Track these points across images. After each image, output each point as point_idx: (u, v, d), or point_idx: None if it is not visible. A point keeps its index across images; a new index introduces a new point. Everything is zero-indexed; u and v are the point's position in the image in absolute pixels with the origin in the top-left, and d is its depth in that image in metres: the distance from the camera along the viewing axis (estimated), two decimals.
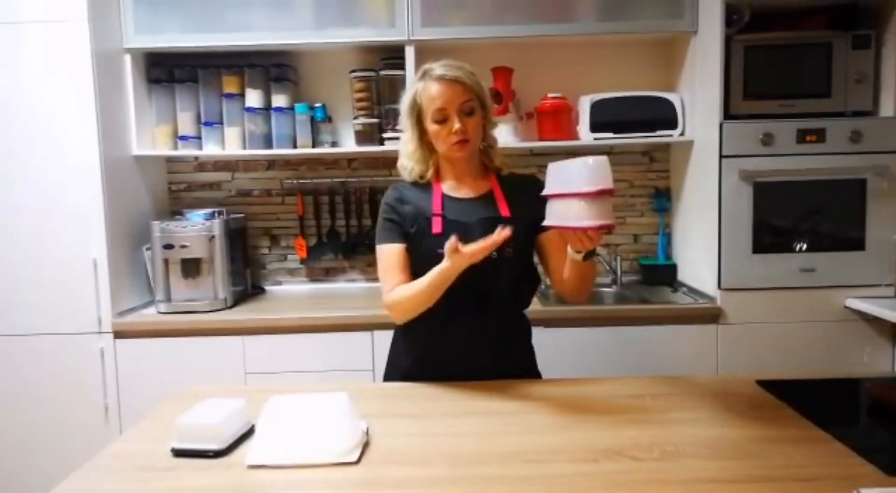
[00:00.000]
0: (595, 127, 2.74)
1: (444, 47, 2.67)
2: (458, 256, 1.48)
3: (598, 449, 1.27)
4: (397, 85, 2.69)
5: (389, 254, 1.68)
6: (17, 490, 2.50)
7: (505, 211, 1.67)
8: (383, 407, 1.53)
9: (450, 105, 1.61)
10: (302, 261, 3.09)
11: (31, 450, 2.51)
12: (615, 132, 2.75)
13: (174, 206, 3.06)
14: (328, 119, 2.90)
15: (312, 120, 2.83)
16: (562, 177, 1.47)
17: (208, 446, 1.28)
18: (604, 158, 1.42)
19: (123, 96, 2.68)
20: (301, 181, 3.03)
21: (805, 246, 2.48)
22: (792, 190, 2.47)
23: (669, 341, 2.48)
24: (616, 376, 1.72)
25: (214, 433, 1.29)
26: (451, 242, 1.47)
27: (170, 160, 3.05)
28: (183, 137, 2.86)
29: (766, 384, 1.59)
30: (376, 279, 2.98)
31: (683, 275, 2.91)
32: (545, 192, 1.51)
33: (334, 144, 2.91)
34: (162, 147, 2.86)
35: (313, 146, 2.84)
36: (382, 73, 2.82)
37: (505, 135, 2.76)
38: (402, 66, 2.70)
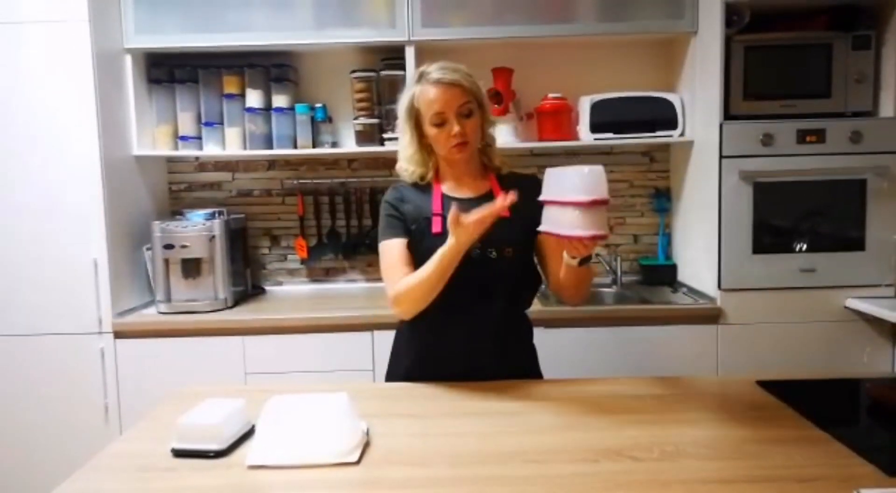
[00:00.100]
0: (595, 127, 2.75)
1: (445, 48, 2.68)
2: (461, 229, 1.47)
3: (599, 449, 1.27)
4: (397, 85, 2.69)
5: (393, 249, 1.67)
6: (17, 490, 2.50)
7: (505, 211, 1.67)
8: (383, 407, 1.53)
9: (448, 108, 1.61)
10: (302, 261, 3.09)
11: (32, 450, 2.51)
12: (615, 132, 2.76)
13: (174, 206, 3.06)
14: (328, 119, 2.90)
15: (313, 120, 2.83)
16: (558, 183, 1.48)
17: (208, 446, 1.28)
18: (600, 168, 1.42)
19: (124, 96, 2.68)
20: (301, 181, 3.03)
21: (805, 246, 2.49)
22: (792, 190, 2.47)
23: (669, 342, 2.48)
24: (616, 377, 1.72)
25: (215, 434, 1.29)
26: (452, 213, 1.46)
27: (170, 160, 3.05)
28: (183, 138, 2.87)
29: (766, 385, 1.59)
30: (376, 279, 3.03)
31: (683, 275, 2.91)
32: (541, 197, 1.51)
33: (335, 144, 2.91)
34: (162, 147, 2.86)
35: (314, 146, 2.84)
36: (383, 73, 2.82)
37: (505, 135, 2.76)
38: (402, 67, 2.70)
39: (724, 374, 2.45)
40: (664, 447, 1.27)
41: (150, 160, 2.86)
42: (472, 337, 1.66)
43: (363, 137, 2.84)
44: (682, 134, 2.75)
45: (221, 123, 2.86)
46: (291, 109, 2.83)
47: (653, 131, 2.75)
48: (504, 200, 1.45)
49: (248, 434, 1.36)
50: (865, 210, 2.47)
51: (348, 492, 1.17)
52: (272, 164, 3.07)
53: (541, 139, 2.86)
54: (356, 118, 2.84)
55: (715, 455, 1.24)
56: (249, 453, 1.26)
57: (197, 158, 3.06)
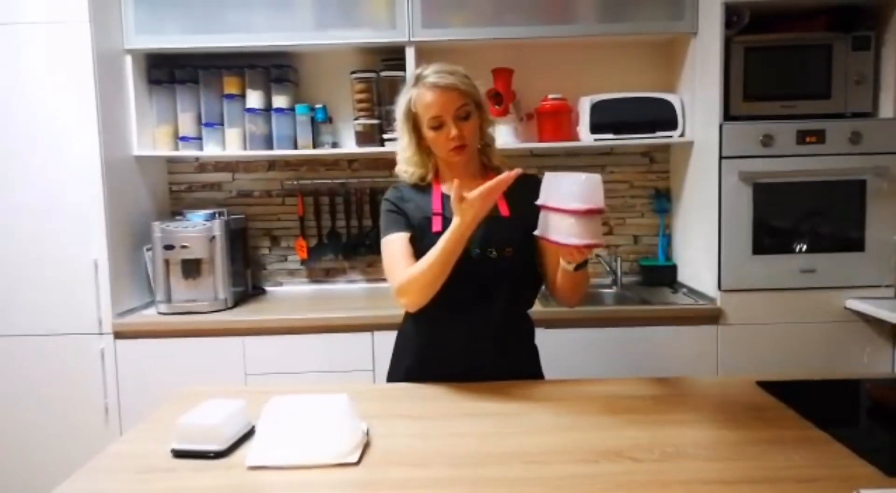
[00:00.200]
0: (595, 128, 2.75)
1: (445, 48, 2.68)
2: (466, 205, 1.46)
3: (599, 450, 1.27)
4: (398, 86, 2.67)
5: (396, 243, 1.66)
6: (17, 490, 2.50)
7: (505, 210, 1.67)
8: (383, 408, 1.53)
9: (445, 112, 1.61)
10: (302, 262, 3.10)
11: (32, 451, 2.51)
12: (615, 133, 2.76)
13: (175, 206, 3.06)
14: (329, 120, 2.90)
15: (313, 121, 2.84)
16: (554, 190, 1.47)
17: (209, 447, 1.28)
18: (597, 177, 1.42)
19: (124, 97, 2.68)
20: (301, 182, 3.03)
21: (805, 247, 2.49)
22: (792, 191, 2.47)
23: (669, 342, 2.48)
24: (616, 377, 1.72)
25: (215, 434, 1.29)
26: (455, 190, 1.45)
27: (170, 161, 3.06)
28: (183, 138, 2.87)
29: (766, 385, 1.59)
30: (377, 280, 3.03)
31: (683, 276, 2.91)
32: (538, 202, 1.52)
33: (335, 144, 2.91)
34: (163, 148, 2.86)
35: (314, 147, 2.84)
36: (383, 74, 2.82)
37: (505, 136, 2.76)
38: (402, 67, 2.70)
39: (724, 374, 2.45)
40: (664, 447, 1.27)
41: (150, 161, 2.87)
42: (472, 337, 1.66)
43: (363, 137, 2.84)
44: (682, 135, 2.75)
45: (222, 124, 2.86)
46: (292, 109, 2.83)
47: (653, 132, 2.75)
48: (513, 172, 1.45)
49: (248, 435, 1.36)
50: (865, 211, 2.47)
51: None
52: (272, 164, 3.07)
53: (541, 140, 2.86)
54: (356, 119, 2.84)
55: (715, 456, 1.24)
56: (249, 453, 1.26)
57: (197, 159, 3.06)
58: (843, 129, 2.44)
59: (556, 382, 1.71)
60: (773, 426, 1.36)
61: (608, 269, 2.97)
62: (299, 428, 1.28)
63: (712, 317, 2.50)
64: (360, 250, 3.03)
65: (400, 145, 1.74)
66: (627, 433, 1.35)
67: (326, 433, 1.27)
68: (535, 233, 1.52)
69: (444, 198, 1.70)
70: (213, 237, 2.63)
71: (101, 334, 2.51)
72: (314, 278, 3.12)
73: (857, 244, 2.48)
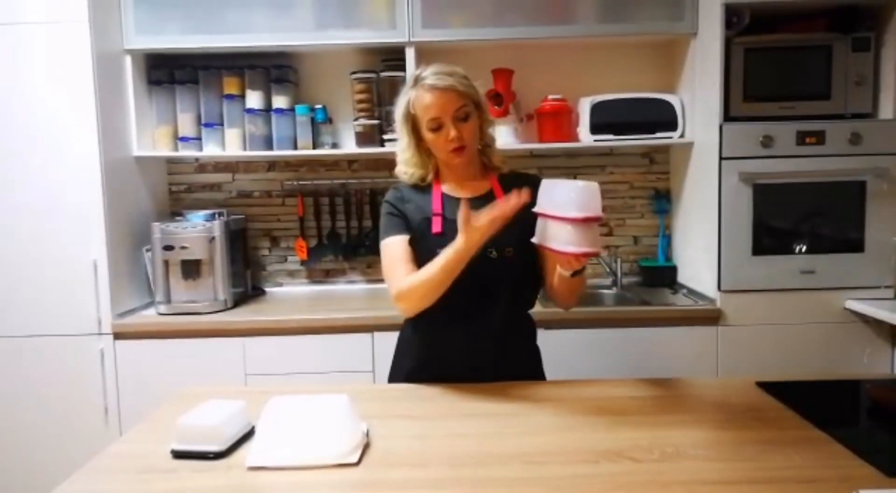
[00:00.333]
0: (595, 129, 2.75)
1: (445, 49, 2.68)
2: (472, 229, 1.47)
3: (599, 451, 1.27)
4: (398, 86, 2.66)
5: (395, 246, 1.67)
6: (17, 491, 2.50)
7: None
8: (384, 409, 1.53)
9: (444, 113, 1.61)
10: (302, 262, 3.09)
11: (31, 451, 2.51)
12: (615, 134, 2.76)
13: (174, 207, 3.06)
14: (329, 120, 2.90)
15: (313, 121, 2.84)
16: (552, 196, 1.47)
17: (208, 447, 1.28)
18: (594, 185, 1.42)
19: (124, 97, 2.68)
20: (301, 183, 3.03)
21: (805, 248, 2.49)
22: (792, 192, 2.48)
23: (669, 343, 2.48)
24: (616, 378, 1.72)
25: (215, 435, 1.29)
26: (463, 212, 1.46)
27: (170, 161, 3.06)
28: (183, 139, 2.87)
29: (765, 386, 1.59)
30: (377, 280, 3.03)
31: (683, 276, 2.91)
32: (535, 208, 1.52)
33: (335, 145, 2.91)
34: (162, 148, 2.86)
35: (314, 148, 2.84)
36: (383, 74, 2.82)
37: (505, 136, 2.76)
38: (402, 68, 2.70)
39: (723, 375, 2.45)
40: (664, 448, 1.27)
41: (149, 161, 2.86)
42: (473, 338, 1.66)
43: (363, 138, 2.84)
44: (681, 135, 2.75)
45: (221, 124, 2.86)
46: (291, 110, 2.83)
47: (653, 133, 2.75)
48: (518, 198, 1.45)
49: (248, 435, 1.36)
50: (865, 212, 2.47)
51: None
52: (272, 165, 3.07)
53: (541, 141, 2.86)
54: (356, 119, 2.84)
55: (715, 456, 1.24)
56: (249, 454, 1.26)
57: (197, 160, 3.06)
58: (843, 130, 2.45)
59: (556, 382, 1.71)
60: (773, 427, 1.36)
61: (608, 270, 2.97)
62: (299, 429, 1.28)
63: (712, 318, 2.50)
64: (360, 251, 3.03)
65: (400, 146, 1.74)
66: (627, 433, 1.35)
67: (326, 433, 1.27)
68: (533, 240, 1.52)
69: (445, 198, 1.70)
70: (213, 238, 2.63)
71: (100, 334, 2.50)
72: (314, 278, 3.12)
73: (856, 245, 2.48)
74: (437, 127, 1.63)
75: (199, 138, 2.87)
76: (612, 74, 2.94)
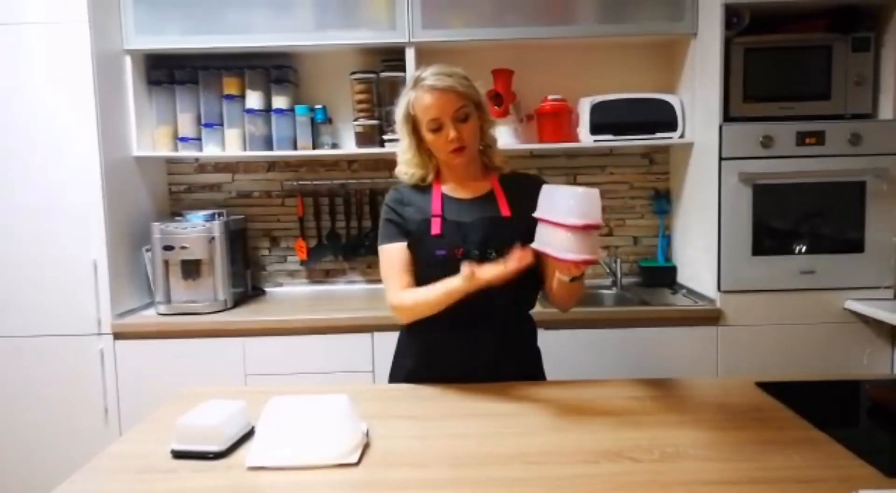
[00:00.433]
0: (595, 129, 2.75)
1: (445, 49, 2.68)
2: (474, 279, 1.49)
3: (599, 451, 1.27)
4: (398, 87, 2.68)
5: (392, 254, 1.69)
6: (17, 491, 2.50)
7: (505, 211, 1.67)
8: (383, 409, 1.53)
9: (443, 114, 1.61)
10: (302, 263, 3.09)
11: (31, 451, 2.51)
12: (615, 134, 2.76)
13: (174, 207, 3.06)
14: (328, 121, 2.90)
15: (313, 122, 2.84)
16: (552, 203, 1.47)
17: (208, 447, 1.28)
18: (594, 192, 1.41)
19: (124, 98, 2.68)
20: (301, 183, 3.03)
21: (805, 248, 2.49)
22: (791, 192, 2.48)
23: (669, 343, 2.48)
24: (616, 378, 1.72)
25: (214, 435, 1.29)
26: (467, 268, 1.49)
27: (170, 161, 3.06)
28: (183, 139, 2.87)
29: (765, 386, 1.59)
30: (376, 281, 3.03)
31: (683, 277, 2.91)
32: (535, 214, 1.52)
33: (334, 145, 2.91)
34: (162, 148, 2.86)
35: (313, 148, 2.84)
36: (383, 74, 2.82)
37: (505, 137, 2.76)
38: (402, 68, 2.70)
39: (723, 375, 2.45)
40: (664, 448, 1.27)
41: (149, 161, 2.86)
42: (473, 338, 1.66)
43: (363, 138, 2.84)
44: (681, 136, 2.75)
45: (221, 125, 2.86)
46: (291, 110, 2.83)
47: (653, 133, 2.75)
48: (522, 260, 1.46)
49: (247, 435, 1.36)
50: (865, 212, 2.47)
51: None
52: (272, 165, 3.07)
53: (541, 141, 2.86)
54: (356, 120, 2.84)
55: (715, 457, 1.24)
56: (249, 454, 1.26)
57: (197, 160, 3.06)
58: (843, 130, 2.45)
59: (556, 383, 1.71)
60: (772, 427, 1.36)
61: (608, 270, 2.97)
62: (299, 429, 1.28)
63: (712, 318, 2.50)
64: (360, 251, 3.03)
65: (400, 147, 1.74)
66: (627, 433, 1.35)
67: (326, 433, 1.27)
68: (532, 246, 1.52)
69: (444, 199, 1.70)
70: (213, 238, 2.63)
71: (100, 334, 2.50)
72: (314, 278, 3.12)
73: (856, 245, 2.48)
74: (437, 128, 1.63)
75: (198, 139, 2.87)
76: (612, 74, 2.94)
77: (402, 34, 2.66)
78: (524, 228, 1.58)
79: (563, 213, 1.42)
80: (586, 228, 1.40)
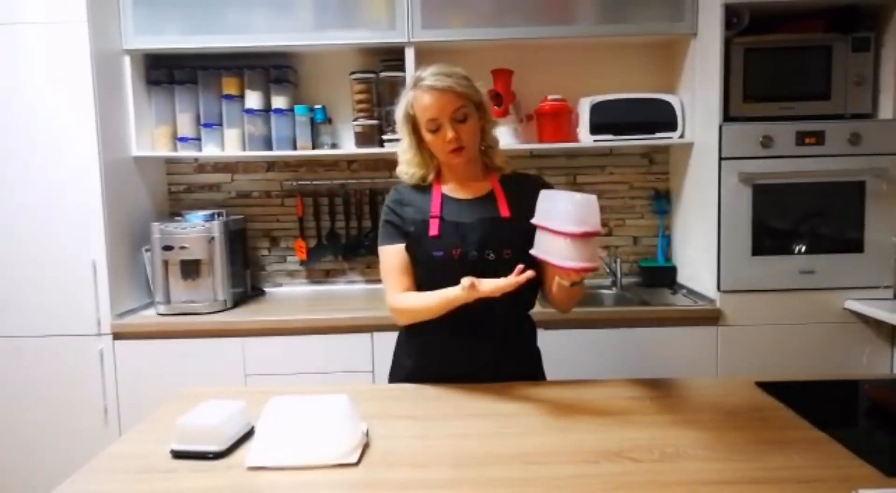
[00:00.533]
0: (595, 129, 2.75)
1: (444, 49, 2.68)
2: (474, 291, 1.50)
3: (599, 451, 1.27)
4: (397, 87, 2.68)
5: (390, 255, 1.70)
6: (17, 491, 2.50)
7: (505, 211, 1.67)
8: (383, 409, 1.53)
9: (441, 114, 1.61)
10: (302, 263, 3.09)
11: (31, 451, 2.51)
12: (615, 134, 2.76)
13: (174, 207, 3.06)
14: (328, 121, 2.90)
15: (312, 122, 2.83)
16: (550, 209, 1.47)
17: (208, 447, 1.28)
18: (593, 198, 1.41)
19: (123, 98, 2.68)
20: (301, 183, 3.03)
21: (804, 248, 2.49)
22: (791, 192, 2.48)
23: (669, 343, 2.48)
24: (616, 378, 1.72)
25: (214, 435, 1.29)
26: (468, 280, 1.50)
27: (169, 162, 3.05)
28: (182, 139, 2.86)
29: (765, 386, 1.59)
30: (376, 281, 3.03)
31: (683, 277, 2.91)
32: (534, 220, 1.52)
33: (334, 145, 2.91)
34: (161, 148, 2.85)
35: (313, 148, 2.84)
36: (382, 74, 2.82)
37: (505, 137, 2.75)
38: (402, 68, 2.70)
39: (723, 375, 2.45)
40: (664, 448, 1.27)
41: (149, 161, 2.86)
42: (472, 339, 1.66)
43: (362, 138, 2.84)
44: (681, 136, 2.75)
45: (220, 125, 2.85)
46: (291, 110, 2.83)
47: (652, 133, 2.75)
48: (523, 276, 1.47)
49: (247, 435, 1.36)
50: (864, 212, 2.47)
51: None
52: (271, 165, 3.07)
53: (540, 141, 2.86)
54: (356, 120, 2.84)
55: (714, 456, 1.24)
56: (249, 454, 1.26)
57: (196, 160, 3.06)
58: (843, 130, 2.45)
59: (556, 383, 1.71)
60: (772, 427, 1.37)
61: (608, 270, 2.97)
62: (299, 429, 1.28)
63: (712, 318, 2.50)
64: (360, 251, 3.03)
65: (401, 147, 1.75)
66: (627, 433, 1.35)
67: (326, 433, 1.27)
68: (531, 252, 1.53)
69: (444, 199, 1.70)
70: (212, 238, 2.63)
71: (99, 334, 2.50)
72: (313, 278, 3.12)
73: (856, 245, 2.48)
74: (436, 128, 1.63)
75: (198, 139, 2.87)
76: (611, 75, 2.94)
77: (401, 34, 2.66)
78: (523, 230, 1.57)
79: (562, 220, 1.41)
80: (585, 236, 1.39)
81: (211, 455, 1.27)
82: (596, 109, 2.74)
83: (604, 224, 3.03)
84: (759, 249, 2.49)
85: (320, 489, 1.17)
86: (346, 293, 2.99)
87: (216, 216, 2.72)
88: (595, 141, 2.77)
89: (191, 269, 2.62)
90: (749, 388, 1.60)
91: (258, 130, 2.83)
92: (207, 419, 1.31)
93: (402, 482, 1.18)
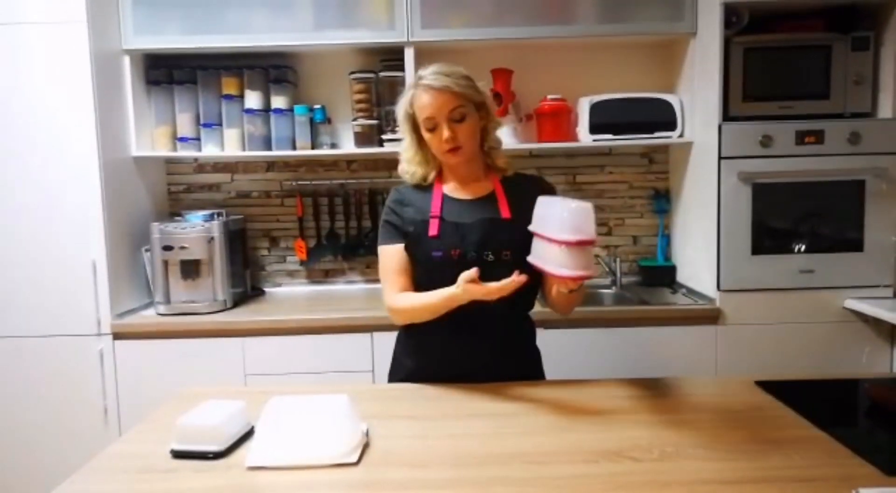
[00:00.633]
0: (594, 129, 2.75)
1: (444, 49, 2.68)
2: (472, 288, 1.49)
3: (598, 451, 1.27)
4: (397, 86, 2.69)
5: (389, 256, 1.70)
6: (17, 491, 2.50)
7: (506, 212, 1.67)
8: (383, 409, 1.53)
9: (438, 114, 1.61)
10: (301, 263, 3.09)
11: (31, 451, 2.51)
12: (614, 134, 2.76)
13: (173, 207, 3.06)
14: (327, 121, 2.90)
15: (312, 121, 2.83)
16: (545, 216, 1.47)
17: (208, 447, 1.28)
18: (588, 206, 1.41)
19: (122, 98, 2.68)
20: (300, 183, 3.03)
21: (804, 247, 2.49)
22: (791, 191, 2.48)
23: (668, 343, 2.48)
24: (615, 378, 1.72)
25: (214, 435, 1.29)
26: (470, 274, 1.49)
27: (169, 162, 3.05)
28: (182, 139, 2.86)
29: (765, 385, 1.59)
30: (376, 281, 3.02)
31: (683, 276, 2.91)
32: (530, 227, 1.52)
33: (333, 145, 2.91)
34: (161, 148, 2.85)
35: (312, 148, 2.84)
36: (382, 74, 2.82)
37: (504, 136, 2.73)
38: (401, 68, 2.70)
39: (723, 374, 2.45)
40: (664, 447, 1.27)
41: (148, 161, 2.86)
42: (472, 340, 1.66)
43: (362, 138, 2.84)
44: (681, 135, 2.75)
45: (220, 125, 2.85)
46: (290, 110, 2.83)
47: (652, 133, 2.75)
48: (519, 279, 1.47)
49: (247, 435, 1.36)
50: (864, 211, 2.47)
51: None
52: (271, 165, 3.07)
53: (540, 141, 2.86)
54: (355, 119, 2.84)
55: (714, 456, 1.24)
56: (249, 454, 1.26)
57: (196, 160, 3.06)
58: (842, 129, 2.45)
59: (556, 382, 1.71)
60: (772, 426, 1.37)
61: (607, 269, 2.97)
62: (299, 429, 1.28)
63: (711, 317, 2.50)
64: (360, 251, 3.03)
65: (402, 146, 1.75)
66: (627, 433, 1.35)
67: (326, 433, 1.27)
68: (529, 259, 1.53)
69: (445, 199, 1.70)
70: (212, 238, 2.63)
71: (99, 334, 2.50)
72: (313, 278, 3.12)
73: (855, 245, 2.48)
74: (433, 127, 1.63)
75: (197, 139, 2.87)
76: (611, 74, 2.94)
77: (401, 34, 2.65)
78: (523, 231, 1.57)
79: (557, 228, 1.42)
80: (580, 244, 1.39)
81: (211, 455, 1.27)
82: (595, 109, 2.74)
83: (604, 224, 3.04)
84: (758, 248, 2.49)
85: (320, 488, 1.17)
86: (345, 293, 2.99)
87: (216, 216, 2.72)
88: (594, 141, 2.77)
89: (191, 269, 2.62)
90: (749, 387, 1.60)
91: (258, 130, 2.83)
92: (207, 419, 1.31)
93: (401, 482, 1.18)
